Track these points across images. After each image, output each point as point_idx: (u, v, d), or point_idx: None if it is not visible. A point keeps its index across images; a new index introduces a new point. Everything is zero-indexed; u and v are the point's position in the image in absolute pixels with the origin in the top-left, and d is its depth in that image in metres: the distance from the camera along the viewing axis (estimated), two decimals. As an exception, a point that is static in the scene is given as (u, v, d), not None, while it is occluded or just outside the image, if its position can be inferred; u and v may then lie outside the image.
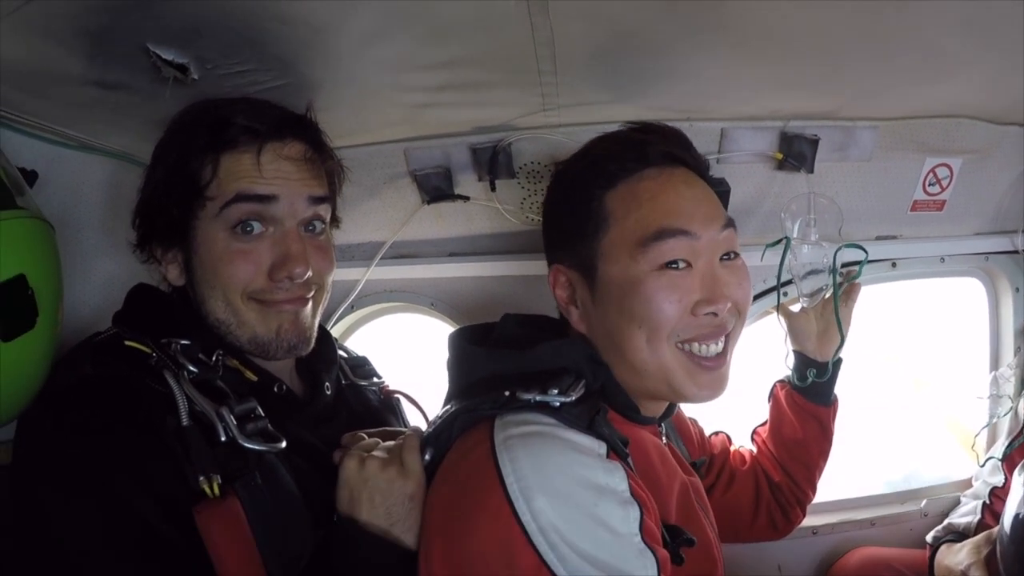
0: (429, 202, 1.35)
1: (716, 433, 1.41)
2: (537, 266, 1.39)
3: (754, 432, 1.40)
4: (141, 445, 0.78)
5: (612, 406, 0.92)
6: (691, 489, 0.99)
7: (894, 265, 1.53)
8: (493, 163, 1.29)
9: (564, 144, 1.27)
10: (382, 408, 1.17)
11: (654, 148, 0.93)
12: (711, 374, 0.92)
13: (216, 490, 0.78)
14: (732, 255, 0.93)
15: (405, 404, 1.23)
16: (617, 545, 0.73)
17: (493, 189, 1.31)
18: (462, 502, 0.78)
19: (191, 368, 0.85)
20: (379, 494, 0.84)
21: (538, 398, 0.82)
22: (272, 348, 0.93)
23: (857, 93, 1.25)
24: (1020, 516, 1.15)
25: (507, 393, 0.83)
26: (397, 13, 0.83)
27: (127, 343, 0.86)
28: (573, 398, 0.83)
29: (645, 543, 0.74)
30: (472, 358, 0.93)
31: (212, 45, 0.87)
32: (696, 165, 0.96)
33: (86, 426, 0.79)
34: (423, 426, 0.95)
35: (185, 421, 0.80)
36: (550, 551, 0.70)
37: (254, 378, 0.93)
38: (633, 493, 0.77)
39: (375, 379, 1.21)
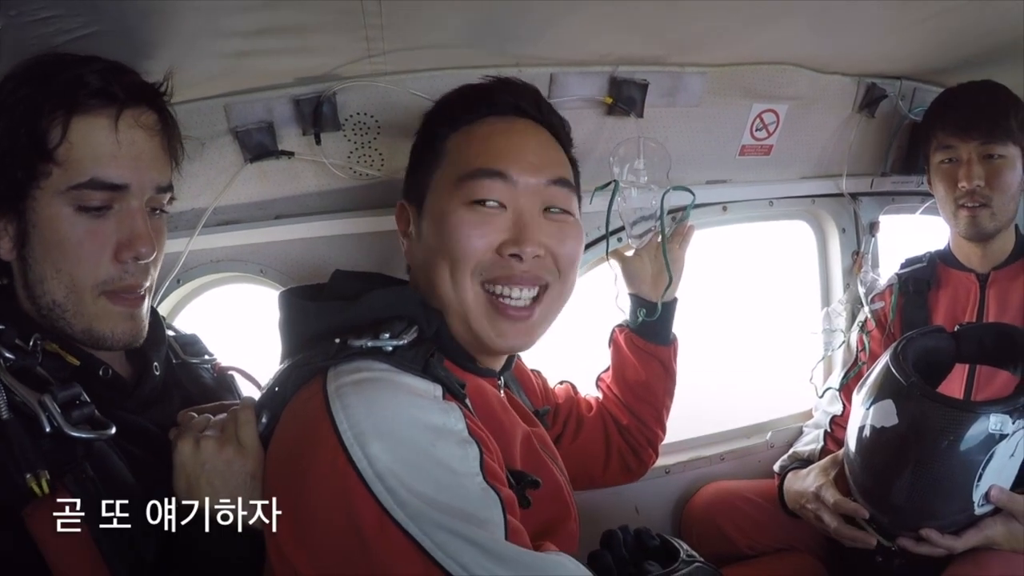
0: (252, 160, 1.33)
1: (561, 383, 1.49)
2: (368, 223, 1.41)
3: (598, 379, 1.50)
4: None
5: (447, 355, 0.96)
6: (535, 438, 1.04)
7: (725, 209, 1.68)
8: (317, 115, 1.29)
9: (391, 93, 1.30)
10: (216, 386, 1.16)
11: (502, 97, 1.02)
12: (514, 324, 0.97)
13: (45, 487, 0.76)
14: (560, 211, 1.00)
15: (241, 381, 1.22)
16: (458, 485, 0.75)
17: (318, 143, 1.31)
18: (297, 457, 0.79)
19: (7, 355, 0.82)
20: (218, 477, 0.84)
21: (369, 344, 0.85)
22: (107, 342, 0.93)
23: (685, 39, 1.36)
24: (863, 431, 1.29)
25: (337, 341, 0.85)
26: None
27: None
28: (406, 341, 0.86)
29: (487, 482, 0.77)
30: (303, 314, 0.95)
31: None
32: (546, 121, 1.05)
33: None
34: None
35: (4, 414, 0.77)
36: (389, 496, 0.71)
37: (76, 362, 0.91)
38: (471, 432, 0.80)
39: (207, 356, 1.19)
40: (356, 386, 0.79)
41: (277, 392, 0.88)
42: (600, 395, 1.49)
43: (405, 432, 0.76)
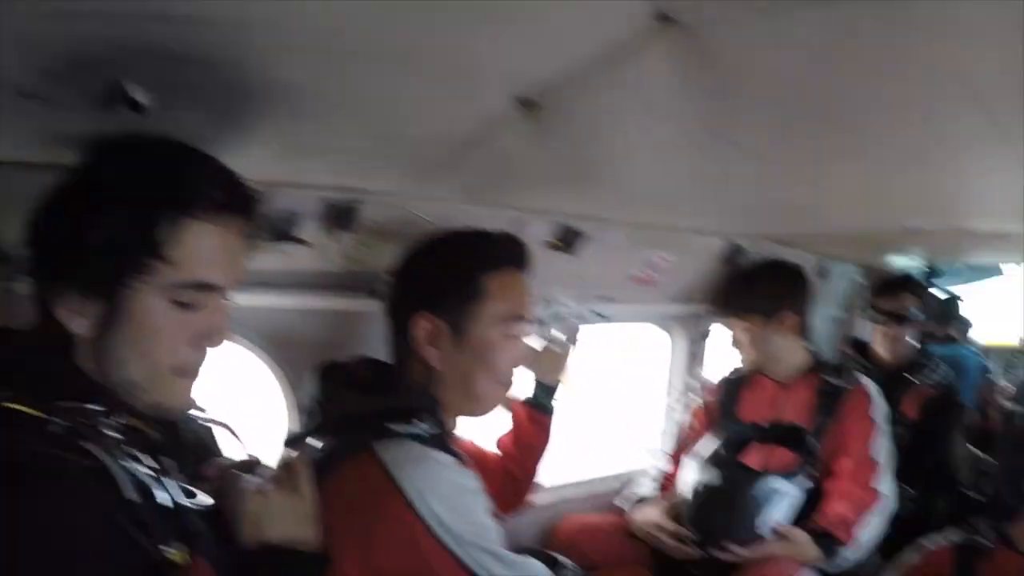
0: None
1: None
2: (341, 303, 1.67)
3: (498, 440, 1.90)
4: (88, 519, 0.78)
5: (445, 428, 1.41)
6: None
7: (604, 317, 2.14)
8: (344, 219, 1.48)
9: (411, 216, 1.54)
10: (205, 436, 1.17)
11: (518, 254, 1.43)
12: None
13: (187, 558, 0.83)
14: None
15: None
16: (484, 526, 1.25)
17: (335, 240, 1.51)
18: (364, 508, 1.19)
19: (115, 435, 0.84)
20: (284, 519, 1.01)
21: (412, 431, 1.26)
22: (172, 412, 0.98)
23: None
24: (696, 485, 1.97)
25: (390, 427, 1.25)
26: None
27: (5, 405, 0.80)
28: (433, 429, 1.29)
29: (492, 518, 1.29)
30: (345, 398, 1.33)
31: (198, 95, 0.92)
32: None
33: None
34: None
35: (136, 497, 0.81)
36: (445, 535, 1.18)
37: (159, 437, 0.94)
38: (482, 488, 1.30)
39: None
40: (411, 460, 1.22)
41: (323, 454, 1.25)
42: (499, 452, 1.89)
43: (451, 492, 1.23)
